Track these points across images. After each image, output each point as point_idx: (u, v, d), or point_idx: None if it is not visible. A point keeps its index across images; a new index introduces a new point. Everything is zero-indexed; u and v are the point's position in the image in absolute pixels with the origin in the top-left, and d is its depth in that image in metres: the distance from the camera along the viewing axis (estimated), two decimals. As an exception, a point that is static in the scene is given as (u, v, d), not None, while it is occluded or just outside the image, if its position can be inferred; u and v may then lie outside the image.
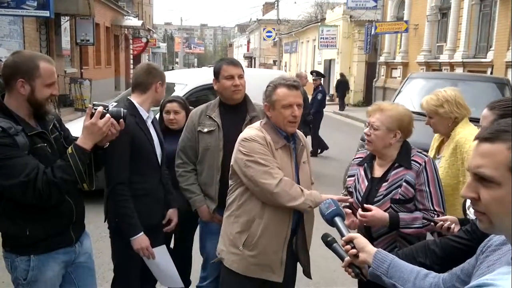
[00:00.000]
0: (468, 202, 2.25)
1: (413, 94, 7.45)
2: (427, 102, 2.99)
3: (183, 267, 3.46)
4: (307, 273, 2.77)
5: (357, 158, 2.75)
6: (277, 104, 2.47)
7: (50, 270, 2.26)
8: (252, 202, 2.49)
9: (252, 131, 2.53)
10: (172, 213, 3.00)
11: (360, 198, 2.56)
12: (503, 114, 2.03)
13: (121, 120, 2.22)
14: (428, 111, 2.98)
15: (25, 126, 2.12)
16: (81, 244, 2.44)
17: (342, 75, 21.87)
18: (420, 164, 2.45)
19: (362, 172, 2.62)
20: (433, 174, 2.45)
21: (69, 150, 2.14)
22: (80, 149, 2.13)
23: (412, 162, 2.47)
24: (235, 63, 3.10)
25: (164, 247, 2.81)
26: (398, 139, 2.48)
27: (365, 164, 2.62)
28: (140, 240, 2.65)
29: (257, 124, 2.62)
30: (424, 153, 2.56)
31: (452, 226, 2.24)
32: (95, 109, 2.16)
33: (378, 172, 2.56)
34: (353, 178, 2.66)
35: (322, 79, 11.09)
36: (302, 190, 2.42)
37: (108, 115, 2.16)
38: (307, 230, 2.64)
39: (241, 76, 3.02)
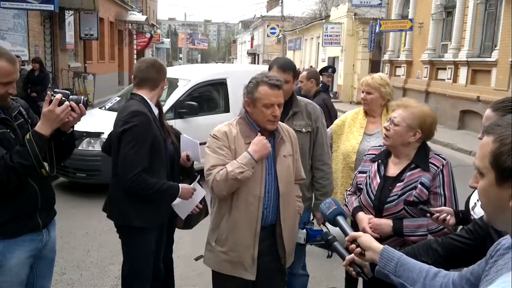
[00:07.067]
0: (472, 202, 2.24)
1: None
2: (373, 78, 3.35)
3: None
4: (283, 266, 2.61)
5: (370, 154, 2.68)
6: (258, 102, 2.42)
7: (15, 257, 2.26)
8: (224, 198, 2.47)
9: (220, 126, 2.54)
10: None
11: (372, 197, 2.49)
12: (506, 115, 2.02)
13: (81, 104, 2.21)
14: (372, 87, 3.32)
15: None
16: (49, 233, 2.45)
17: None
18: (437, 167, 2.40)
19: (375, 169, 2.54)
20: (449, 178, 2.40)
21: (27, 136, 2.15)
22: (38, 135, 2.13)
23: (430, 164, 2.41)
24: (284, 68, 3.07)
25: (195, 183, 3.03)
26: (417, 138, 2.42)
27: (379, 161, 2.56)
28: (185, 191, 2.86)
29: (235, 118, 2.62)
30: (443, 156, 2.50)
31: (448, 217, 2.21)
32: (54, 96, 2.16)
33: (392, 170, 2.49)
34: (364, 174, 2.60)
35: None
36: (226, 170, 2.36)
37: (66, 102, 2.16)
38: (285, 224, 2.52)
39: (287, 81, 2.97)
